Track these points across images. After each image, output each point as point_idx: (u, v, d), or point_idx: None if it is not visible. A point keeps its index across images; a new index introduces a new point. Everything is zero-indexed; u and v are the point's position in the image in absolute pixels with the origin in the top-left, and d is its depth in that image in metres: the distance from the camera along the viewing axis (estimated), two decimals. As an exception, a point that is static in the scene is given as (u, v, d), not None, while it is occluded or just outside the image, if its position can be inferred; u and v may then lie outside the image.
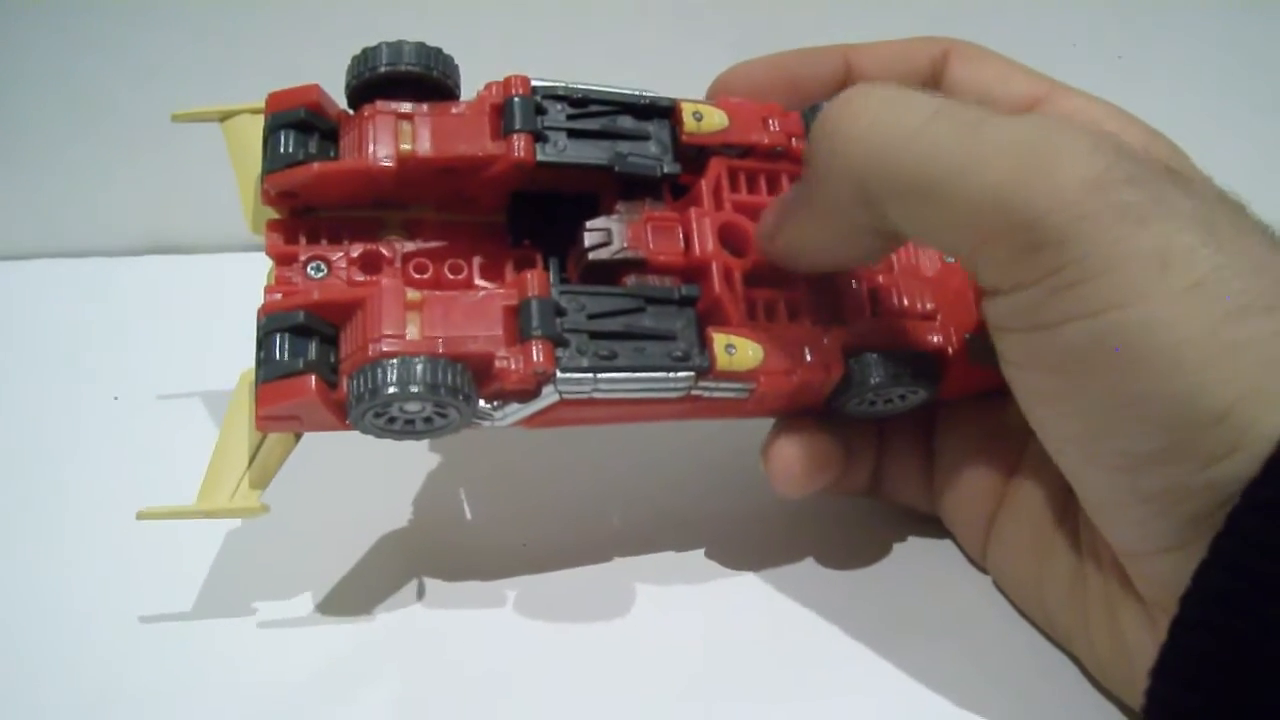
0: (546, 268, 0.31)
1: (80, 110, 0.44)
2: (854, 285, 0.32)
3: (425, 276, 0.30)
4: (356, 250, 0.30)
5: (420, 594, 0.32)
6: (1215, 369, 0.22)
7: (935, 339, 0.32)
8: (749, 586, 0.33)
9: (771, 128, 0.32)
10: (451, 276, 0.30)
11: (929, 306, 0.32)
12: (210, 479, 0.29)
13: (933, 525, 0.34)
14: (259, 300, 0.30)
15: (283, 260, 0.30)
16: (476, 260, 0.31)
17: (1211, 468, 0.23)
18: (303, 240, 0.30)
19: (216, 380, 0.39)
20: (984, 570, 0.33)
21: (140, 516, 0.28)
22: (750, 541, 0.34)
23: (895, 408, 0.32)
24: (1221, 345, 0.23)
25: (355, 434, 0.28)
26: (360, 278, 0.29)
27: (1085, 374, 0.24)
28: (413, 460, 0.36)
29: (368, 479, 0.35)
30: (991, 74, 0.32)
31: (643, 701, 0.30)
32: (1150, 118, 0.31)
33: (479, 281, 0.31)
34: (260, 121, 0.31)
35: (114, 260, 0.45)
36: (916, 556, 0.34)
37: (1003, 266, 0.25)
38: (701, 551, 0.34)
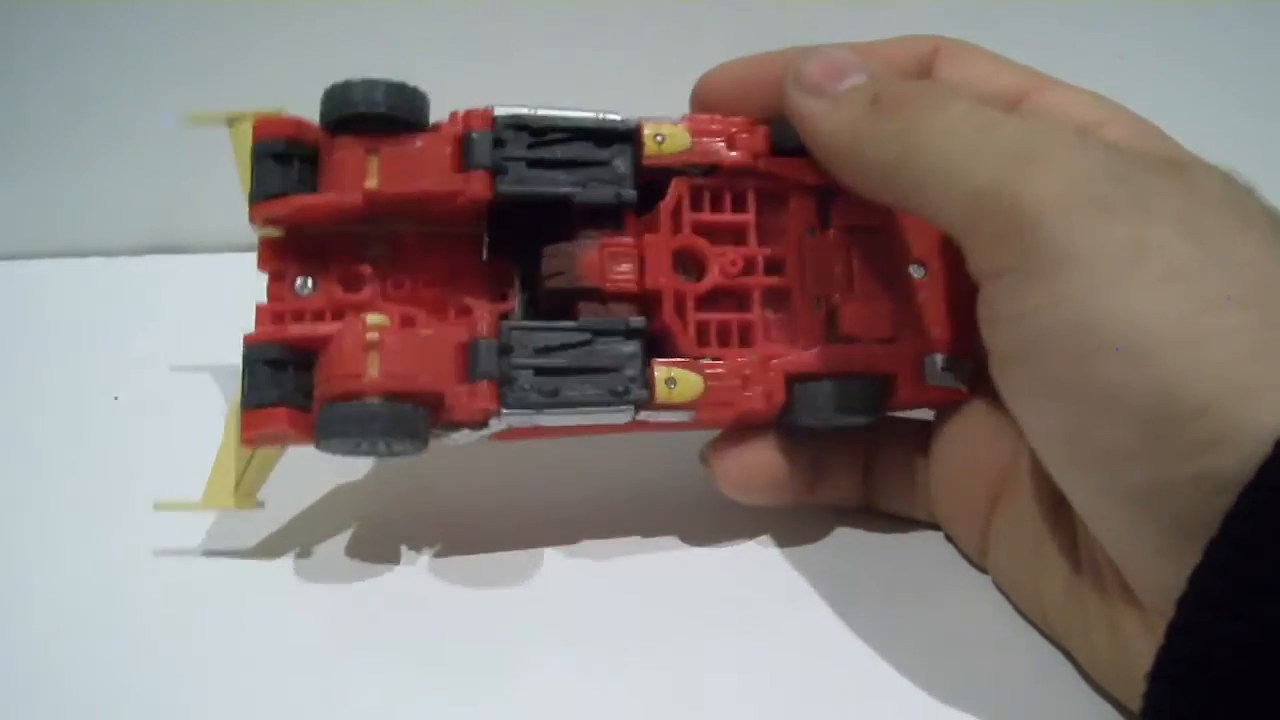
0: (525, 284, 0.33)
1: (81, 110, 0.44)
2: (811, 307, 0.32)
3: (402, 291, 0.32)
4: (339, 269, 0.32)
5: (400, 565, 0.33)
6: (1185, 360, 0.23)
7: (887, 363, 0.32)
8: (742, 582, 0.33)
9: (739, 144, 0.32)
10: (427, 292, 0.32)
11: (886, 329, 0.32)
12: (213, 480, 0.32)
13: (931, 524, 0.34)
14: (259, 300, 0.31)
15: (274, 276, 0.32)
16: (452, 275, 0.32)
17: (1194, 461, 0.23)
18: (290, 258, 0.32)
19: (217, 380, 0.39)
20: (983, 570, 0.33)
21: (158, 507, 0.31)
22: (749, 538, 0.34)
23: (849, 421, 0.32)
24: (1191, 336, 0.23)
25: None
26: (341, 294, 0.31)
27: (1061, 364, 0.24)
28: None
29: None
30: (978, 70, 0.32)
31: (631, 683, 0.30)
32: (1150, 117, 0.31)
33: (454, 296, 0.32)
34: None
35: (114, 260, 0.45)
36: (914, 555, 0.33)
37: (986, 249, 0.26)
38: (679, 538, 0.34)
